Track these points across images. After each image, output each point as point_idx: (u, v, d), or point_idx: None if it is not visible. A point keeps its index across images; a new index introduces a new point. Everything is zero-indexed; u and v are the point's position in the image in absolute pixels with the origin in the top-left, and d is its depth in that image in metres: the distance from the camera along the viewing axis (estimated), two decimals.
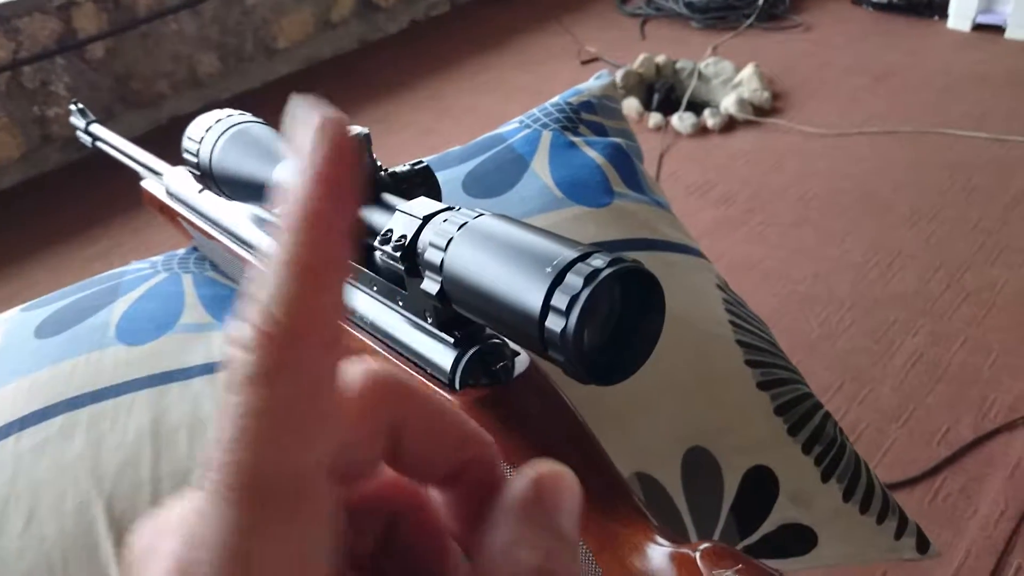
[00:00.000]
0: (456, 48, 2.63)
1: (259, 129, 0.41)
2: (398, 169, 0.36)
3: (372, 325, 0.36)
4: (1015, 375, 1.27)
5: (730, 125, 2.07)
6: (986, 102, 2.07)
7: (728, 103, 2.10)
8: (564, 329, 0.24)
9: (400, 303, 0.34)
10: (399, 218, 0.32)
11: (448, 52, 2.60)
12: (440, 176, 0.38)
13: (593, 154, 0.55)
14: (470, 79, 2.44)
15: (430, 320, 0.33)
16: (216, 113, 0.43)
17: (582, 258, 0.25)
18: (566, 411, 0.32)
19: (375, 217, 0.34)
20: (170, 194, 0.50)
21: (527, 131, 0.56)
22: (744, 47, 2.44)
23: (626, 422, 0.42)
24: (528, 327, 0.25)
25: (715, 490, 0.44)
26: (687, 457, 0.43)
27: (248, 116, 0.43)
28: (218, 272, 0.49)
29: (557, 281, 0.25)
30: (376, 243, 0.32)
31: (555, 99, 0.60)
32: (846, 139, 1.96)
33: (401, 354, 0.35)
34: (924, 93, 2.15)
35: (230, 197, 0.43)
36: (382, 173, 0.36)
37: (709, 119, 2.06)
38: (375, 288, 0.36)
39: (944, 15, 2.47)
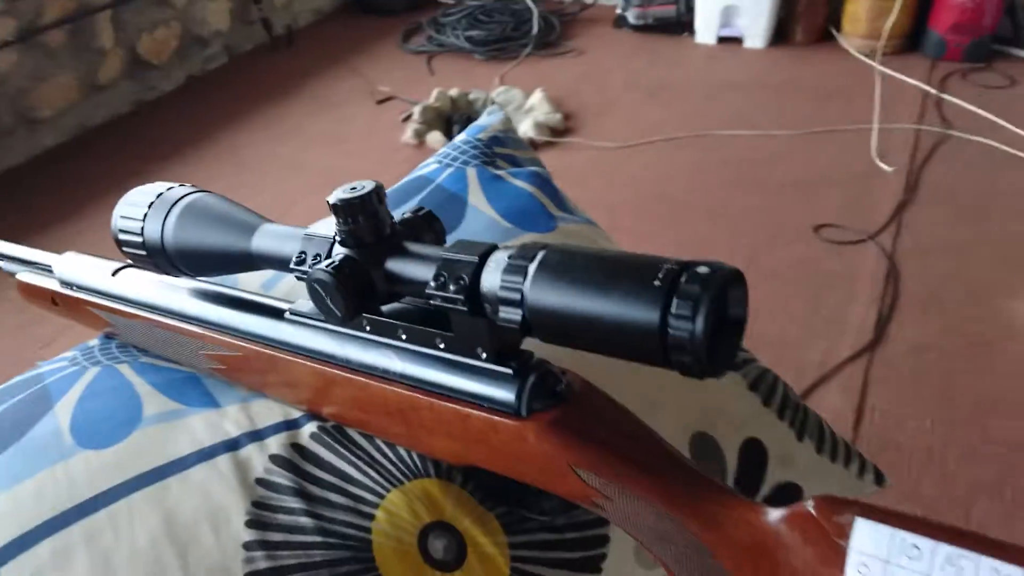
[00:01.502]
0: (243, 99, 2.55)
1: (211, 199, 0.40)
2: (407, 216, 0.37)
3: (402, 376, 0.36)
4: (816, 336, 1.46)
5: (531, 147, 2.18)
6: (741, 103, 2.35)
7: (526, 127, 2.22)
8: (693, 333, 0.26)
9: (443, 346, 0.35)
10: (448, 263, 0.32)
11: (235, 104, 2.51)
12: None
13: (521, 183, 0.58)
14: (264, 129, 2.38)
15: (484, 356, 0.33)
16: (149, 188, 0.41)
17: (686, 267, 0.27)
18: (627, 414, 0.34)
19: (407, 268, 0.34)
20: (66, 283, 0.46)
21: (450, 170, 0.58)
22: (528, 74, 2.59)
23: (645, 420, 0.45)
24: (646, 339, 0.27)
25: (720, 468, 0.48)
26: (693, 442, 0.47)
27: (188, 186, 0.41)
28: (151, 356, 0.45)
29: (672, 290, 0.26)
30: (431, 289, 0.32)
31: (462, 137, 0.62)
32: (635, 149, 2.14)
33: (448, 396, 0.35)
34: (691, 101, 2.41)
35: (189, 274, 0.41)
36: (395, 223, 0.36)
37: None
38: (404, 338, 0.36)
39: (692, 31, 2.77)
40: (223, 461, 0.39)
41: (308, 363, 0.39)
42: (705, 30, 2.73)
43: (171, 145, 2.28)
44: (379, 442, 0.41)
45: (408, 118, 2.34)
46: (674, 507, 0.30)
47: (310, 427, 0.41)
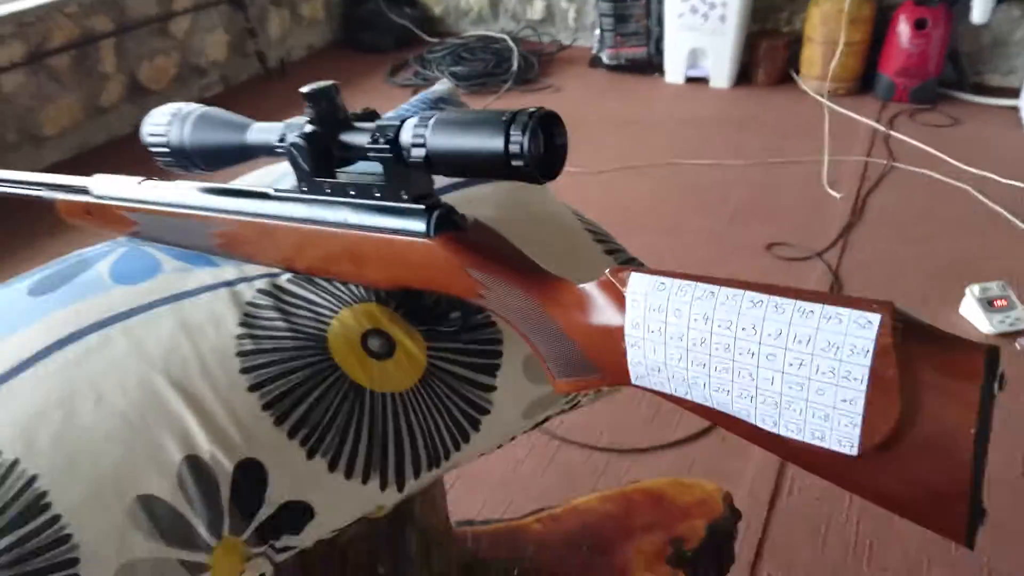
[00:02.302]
0: None
1: (215, 110, 0.53)
2: (357, 112, 0.50)
3: (353, 225, 0.49)
4: None
5: None
6: (703, 136, 2.52)
7: None
8: (523, 146, 0.39)
9: (378, 195, 0.48)
10: (381, 127, 0.45)
11: None
12: None
13: None
14: None
15: (406, 197, 0.46)
16: (168, 107, 0.54)
17: (520, 112, 0.40)
18: (504, 239, 0.48)
19: (354, 138, 0.47)
20: (99, 197, 0.59)
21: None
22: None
23: None
24: (497, 156, 0.40)
25: None
26: None
27: (195, 104, 0.54)
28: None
29: (510, 123, 0.40)
30: (368, 144, 0.45)
31: (412, 100, 0.75)
32: (601, 175, 2.30)
33: (379, 232, 0.48)
34: (656, 134, 2.57)
35: (202, 168, 0.54)
36: (349, 114, 0.49)
37: None
38: (352, 194, 0.49)
39: (662, 72, 2.96)
40: (222, 291, 0.52)
41: (288, 225, 0.52)
42: (673, 70, 2.92)
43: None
44: (336, 283, 0.54)
45: None
46: (530, 290, 0.44)
47: (287, 275, 0.55)
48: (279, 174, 0.63)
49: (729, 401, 0.35)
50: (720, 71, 2.84)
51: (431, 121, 0.43)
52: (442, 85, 0.76)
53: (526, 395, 0.55)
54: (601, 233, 0.66)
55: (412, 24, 3.33)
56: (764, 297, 0.34)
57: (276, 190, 0.53)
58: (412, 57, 3.15)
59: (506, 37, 3.12)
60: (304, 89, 0.48)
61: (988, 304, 1.65)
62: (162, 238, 0.58)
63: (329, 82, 0.48)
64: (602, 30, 3.00)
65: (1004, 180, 2.14)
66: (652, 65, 2.98)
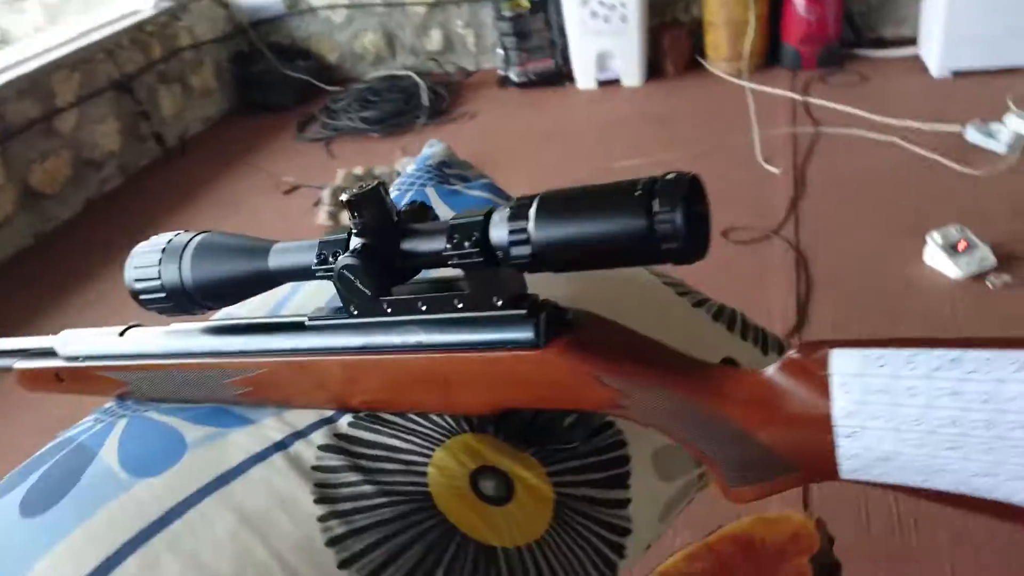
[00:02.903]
0: (146, 215, 2.54)
1: (217, 235, 0.44)
2: (405, 208, 0.41)
3: (429, 344, 0.39)
4: None
5: None
6: (631, 136, 2.50)
7: None
8: (675, 223, 0.31)
9: (461, 305, 0.39)
10: (459, 227, 0.37)
11: (140, 221, 2.50)
12: None
13: (476, 192, 0.63)
14: None
15: (500, 303, 0.38)
16: (155, 240, 0.44)
17: (654, 180, 0.32)
18: (627, 329, 0.39)
19: (420, 243, 0.39)
20: (72, 358, 0.48)
21: (411, 192, 0.62)
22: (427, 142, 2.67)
23: None
24: (638, 240, 0.32)
25: None
26: None
27: (187, 231, 0.44)
28: (170, 406, 0.47)
29: (649, 195, 0.32)
30: (447, 250, 0.37)
31: (412, 167, 0.67)
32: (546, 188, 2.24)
33: (474, 349, 0.39)
34: (584, 141, 2.54)
35: (208, 306, 0.44)
36: (400, 211, 0.41)
37: None
38: (424, 308, 0.39)
39: (572, 80, 2.94)
40: (277, 459, 0.42)
41: (336, 358, 0.42)
42: (584, 77, 2.90)
43: (80, 273, 2.23)
44: (412, 415, 0.44)
45: (318, 203, 2.37)
46: (687, 388, 0.36)
47: (346, 419, 0.44)
48: (283, 294, 0.53)
49: (996, 485, 0.28)
50: (630, 70, 2.84)
51: (531, 211, 0.35)
52: (431, 147, 0.68)
53: (661, 497, 0.47)
54: (677, 282, 0.59)
55: (309, 76, 3.23)
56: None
57: (312, 318, 0.43)
58: (317, 110, 3.04)
59: (410, 73, 3.05)
60: (345, 197, 0.39)
61: (952, 249, 1.66)
62: (164, 396, 0.47)
63: (373, 183, 0.39)
64: (505, 49, 2.96)
65: (926, 126, 2.18)
66: (562, 75, 2.96)
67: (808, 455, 0.33)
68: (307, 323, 0.43)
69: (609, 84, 2.90)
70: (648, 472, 0.46)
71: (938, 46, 2.46)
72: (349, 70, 3.38)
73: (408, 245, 0.39)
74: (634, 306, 0.51)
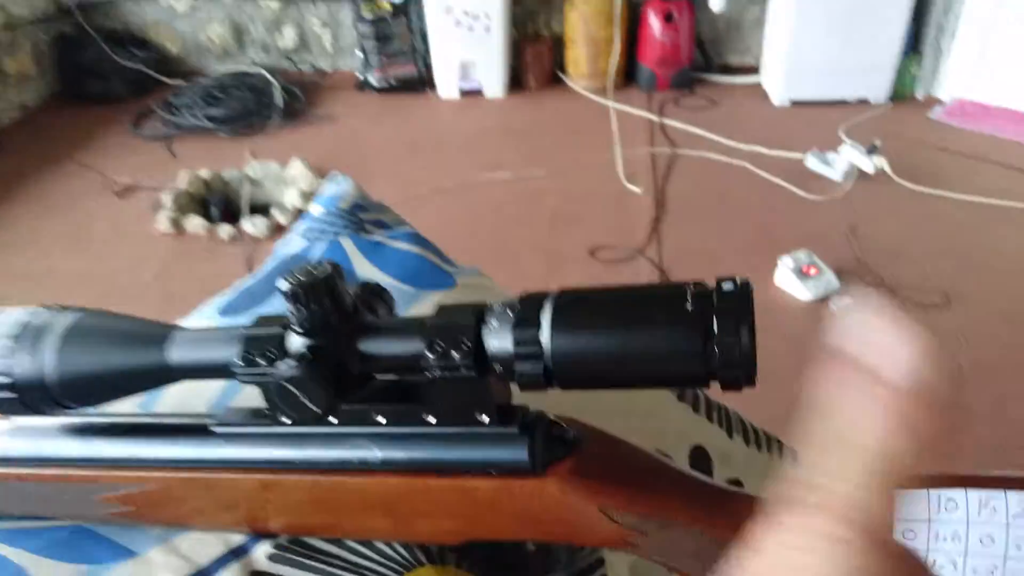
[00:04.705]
0: None
1: (95, 316, 0.34)
2: (356, 291, 0.33)
3: (385, 463, 0.32)
4: None
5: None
6: (495, 149, 2.48)
7: (292, 199, 2.16)
8: (741, 348, 0.26)
9: (434, 420, 0.31)
10: (441, 328, 0.30)
11: None
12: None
13: (403, 245, 0.54)
14: None
15: (488, 420, 0.31)
16: (6, 320, 0.34)
17: (705, 290, 0.27)
18: (632, 448, 0.33)
19: (385, 345, 0.31)
20: None
21: (322, 244, 0.53)
22: (280, 146, 2.52)
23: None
24: (690, 363, 0.26)
25: None
26: None
27: (55, 307, 0.34)
28: (10, 520, 0.36)
29: (708, 314, 0.26)
30: (430, 362, 0.30)
31: (318, 210, 0.57)
32: (407, 205, 2.15)
33: (443, 471, 0.32)
34: (448, 153, 2.49)
35: (73, 407, 0.34)
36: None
37: (280, 217, 2.09)
38: (384, 421, 0.32)
39: (434, 87, 2.88)
40: None
41: (255, 476, 0.34)
42: (446, 85, 2.85)
43: None
44: (351, 543, 0.36)
45: (158, 207, 2.17)
46: (713, 525, 0.30)
47: (263, 548, 0.36)
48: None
49: None
50: (492, 81, 2.82)
51: (544, 318, 0.28)
52: (340, 184, 0.60)
53: None
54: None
55: (146, 67, 2.96)
56: None
57: (223, 423, 0.35)
58: (156, 104, 2.79)
59: (261, 70, 2.87)
60: (283, 287, 0.31)
61: (800, 273, 1.76)
62: (5, 510, 0.37)
63: (323, 267, 0.31)
64: (365, 52, 2.85)
65: (771, 152, 2.31)
66: (423, 82, 2.89)
67: None
68: (215, 429, 0.35)
69: (471, 94, 2.86)
70: None
71: (779, 76, 2.63)
72: (193, 63, 3.13)
73: (369, 347, 0.32)
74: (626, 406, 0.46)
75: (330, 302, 0.31)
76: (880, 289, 1.71)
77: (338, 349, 0.32)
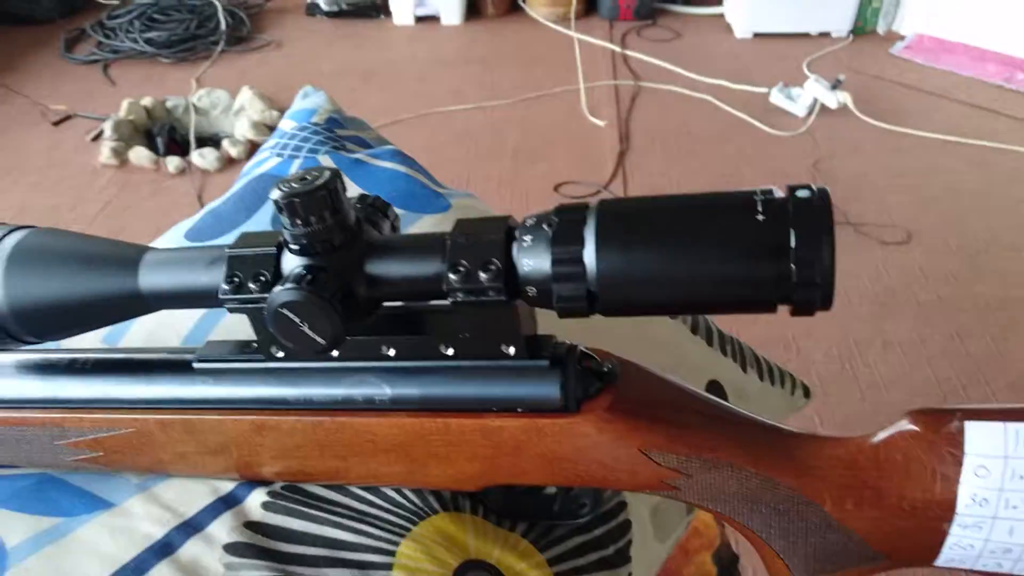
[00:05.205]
0: None
1: (51, 233, 0.29)
2: (356, 206, 0.29)
3: (396, 401, 0.29)
4: None
5: (253, 150, 2.03)
6: (453, 79, 2.39)
7: (243, 130, 2.06)
8: (821, 264, 0.23)
9: (451, 352, 0.28)
10: (463, 247, 0.26)
11: None
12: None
13: (388, 164, 0.50)
14: None
15: (514, 352, 0.28)
16: None
17: (776, 198, 0.23)
18: (671, 383, 0.30)
19: (396, 267, 0.27)
20: None
21: (298, 160, 0.48)
22: (228, 73, 2.39)
23: None
24: (763, 282, 0.23)
25: None
26: None
27: (5, 225, 0.29)
28: None
29: (782, 225, 0.23)
30: (453, 284, 0.26)
31: (290, 125, 0.52)
32: None
33: (463, 410, 0.28)
34: (405, 82, 2.40)
35: (29, 340, 0.29)
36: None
37: (231, 149, 1.99)
38: (393, 354, 0.29)
39: (388, 13, 2.76)
40: (163, 573, 0.29)
41: (246, 417, 0.30)
42: (401, 11, 2.73)
43: None
44: (355, 489, 0.33)
45: (99, 136, 2.05)
46: (761, 464, 0.28)
47: (256, 497, 0.32)
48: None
49: None
50: (450, 7, 2.71)
51: (589, 231, 0.25)
52: (313, 97, 0.54)
53: (656, 562, 0.40)
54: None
55: None
56: None
57: (203, 359, 0.31)
58: (89, 25, 2.61)
59: None
60: (277, 196, 0.26)
61: None
62: None
63: (321, 172, 0.27)
64: None
65: (735, 86, 2.28)
66: (377, 7, 2.76)
67: (909, 544, 0.27)
68: (196, 365, 0.31)
69: (427, 20, 2.75)
70: (648, 535, 0.39)
71: (742, 8, 2.58)
72: None
73: (378, 268, 0.28)
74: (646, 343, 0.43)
75: (331, 215, 0.27)
76: (844, 226, 1.72)
77: (342, 270, 0.27)
